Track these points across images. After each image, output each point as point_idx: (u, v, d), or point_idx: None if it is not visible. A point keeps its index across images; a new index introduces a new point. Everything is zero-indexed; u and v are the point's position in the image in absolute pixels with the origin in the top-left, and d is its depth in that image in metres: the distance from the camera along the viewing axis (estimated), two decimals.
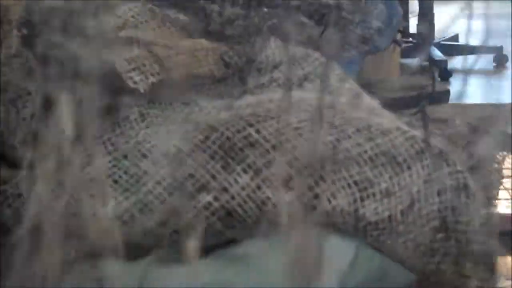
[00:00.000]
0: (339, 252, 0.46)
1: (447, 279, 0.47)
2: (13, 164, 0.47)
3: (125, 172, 0.45)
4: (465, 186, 0.46)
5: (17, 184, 0.45)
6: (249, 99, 0.50)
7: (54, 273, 0.47)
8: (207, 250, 0.44)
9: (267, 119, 0.46)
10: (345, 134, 0.46)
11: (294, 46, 0.58)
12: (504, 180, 0.73)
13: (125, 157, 0.46)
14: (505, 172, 0.76)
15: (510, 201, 0.90)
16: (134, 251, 0.46)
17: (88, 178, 0.38)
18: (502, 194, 0.79)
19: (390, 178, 0.45)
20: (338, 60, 0.64)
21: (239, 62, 0.59)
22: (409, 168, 0.46)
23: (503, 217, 0.73)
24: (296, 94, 0.51)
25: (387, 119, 0.50)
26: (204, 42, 0.57)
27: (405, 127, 0.48)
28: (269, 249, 0.45)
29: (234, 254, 0.44)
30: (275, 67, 0.56)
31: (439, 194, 0.46)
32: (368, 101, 0.53)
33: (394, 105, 0.60)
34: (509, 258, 0.86)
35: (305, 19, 0.64)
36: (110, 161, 0.46)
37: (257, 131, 0.46)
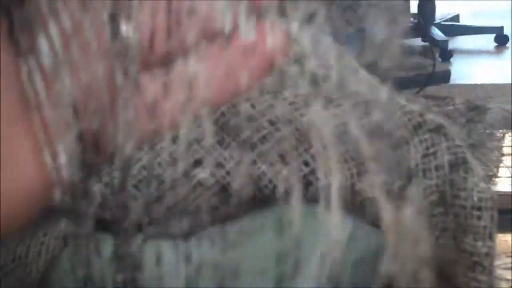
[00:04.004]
0: (336, 228, 0.45)
1: (445, 254, 0.46)
2: None
3: None
4: (464, 161, 0.46)
5: None
6: None
7: (51, 248, 0.46)
8: (201, 226, 0.43)
9: (262, 94, 0.46)
10: (342, 108, 0.46)
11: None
12: (504, 158, 0.73)
13: None
14: (505, 150, 0.76)
15: (510, 179, 0.90)
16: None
17: None
18: (503, 172, 0.79)
19: (388, 153, 0.44)
20: (337, 36, 0.63)
21: None
22: (407, 142, 0.45)
23: (503, 195, 0.73)
24: (292, 69, 0.50)
25: (385, 94, 0.49)
26: None
27: (403, 102, 0.47)
28: (265, 226, 0.44)
29: (227, 230, 0.44)
30: None
31: (437, 169, 0.45)
32: (366, 76, 0.53)
33: (394, 85, 0.59)
34: (509, 236, 0.86)
35: None
36: None
37: (252, 106, 0.45)
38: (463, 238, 0.46)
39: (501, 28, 2.36)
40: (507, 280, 0.67)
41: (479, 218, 0.45)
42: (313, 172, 0.44)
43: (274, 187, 0.45)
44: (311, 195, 0.45)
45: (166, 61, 0.23)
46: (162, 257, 0.38)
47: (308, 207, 0.41)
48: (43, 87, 0.22)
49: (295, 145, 0.44)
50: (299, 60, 0.56)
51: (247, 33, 0.24)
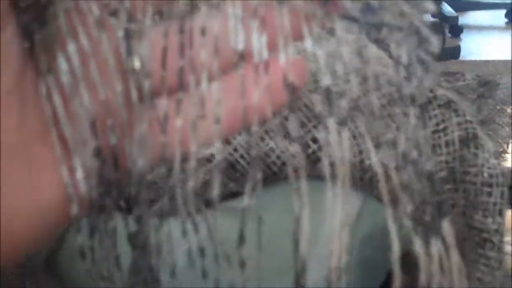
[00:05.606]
0: (344, 204, 0.45)
1: (455, 231, 0.46)
2: None
3: None
4: (474, 137, 0.45)
5: None
6: None
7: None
8: (208, 203, 0.43)
9: None
10: (351, 84, 0.45)
11: None
12: None
13: None
14: None
15: None
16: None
17: None
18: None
19: (397, 128, 0.44)
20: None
21: None
22: (417, 118, 0.44)
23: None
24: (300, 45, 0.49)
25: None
26: None
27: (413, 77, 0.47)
28: (273, 202, 0.44)
29: (236, 206, 0.44)
30: None
31: (447, 145, 0.45)
32: (375, 51, 0.52)
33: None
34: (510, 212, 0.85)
35: None
36: None
37: None
38: (473, 215, 0.45)
39: None
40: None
41: (489, 194, 0.45)
42: (321, 148, 0.44)
43: (282, 163, 0.45)
44: (320, 172, 0.44)
45: (179, 80, 0.23)
46: (170, 234, 0.38)
47: (316, 183, 0.40)
48: (61, 104, 0.23)
49: (303, 122, 0.44)
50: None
51: (260, 52, 0.23)
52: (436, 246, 0.26)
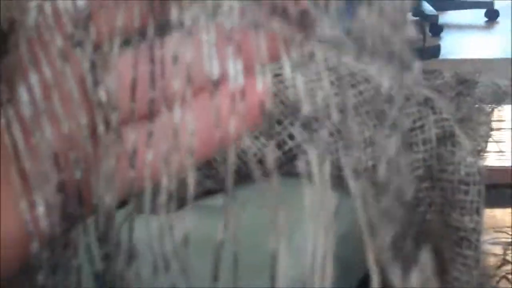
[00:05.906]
0: (322, 202, 0.45)
1: (432, 229, 0.46)
2: None
3: None
4: (451, 134, 0.45)
5: None
6: None
7: None
8: (184, 201, 0.42)
9: None
10: (326, 81, 0.45)
11: None
12: (492, 133, 0.72)
13: None
14: (495, 124, 0.75)
15: (498, 154, 0.89)
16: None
17: None
18: (491, 146, 0.78)
19: (374, 126, 0.44)
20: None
21: None
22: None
23: (491, 170, 0.73)
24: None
25: (372, 66, 0.48)
26: None
27: (391, 74, 0.46)
28: (249, 200, 0.44)
29: (212, 204, 0.43)
30: None
31: (424, 142, 0.44)
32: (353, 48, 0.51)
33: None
34: (497, 211, 0.86)
35: None
36: None
37: None
38: (450, 213, 0.45)
39: (491, 3, 2.35)
40: (495, 254, 0.67)
41: (466, 192, 0.45)
42: (298, 146, 0.43)
43: (259, 161, 0.44)
44: (296, 169, 0.44)
45: (150, 111, 0.22)
46: (137, 232, 0.37)
47: (292, 181, 0.40)
48: (21, 137, 0.22)
49: (280, 119, 0.44)
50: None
51: (236, 78, 0.22)
52: (415, 278, 0.25)
